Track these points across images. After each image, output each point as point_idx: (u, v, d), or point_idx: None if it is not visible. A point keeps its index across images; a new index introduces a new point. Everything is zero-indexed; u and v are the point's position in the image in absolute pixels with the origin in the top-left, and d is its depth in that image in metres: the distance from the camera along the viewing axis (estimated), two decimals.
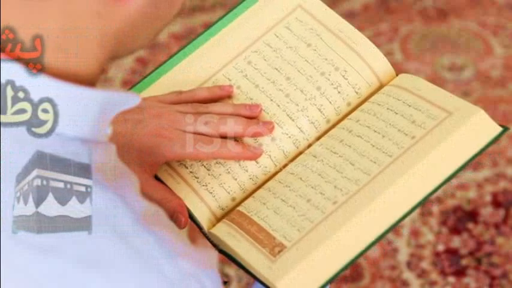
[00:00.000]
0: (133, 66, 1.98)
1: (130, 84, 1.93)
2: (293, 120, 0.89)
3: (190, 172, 0.89)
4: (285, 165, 0.89)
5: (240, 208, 0.87)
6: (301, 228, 0.81)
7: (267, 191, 0.87)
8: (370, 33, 2.01)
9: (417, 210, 1.71)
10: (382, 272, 1.64)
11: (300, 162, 0.88)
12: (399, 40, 2.01)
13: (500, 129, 0.84)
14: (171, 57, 0.96)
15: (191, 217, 0.88)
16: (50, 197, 0.63)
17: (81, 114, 0.65)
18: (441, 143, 0.82)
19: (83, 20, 0.63)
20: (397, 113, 0.86)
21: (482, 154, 0.86)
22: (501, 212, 1.71)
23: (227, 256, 0.85)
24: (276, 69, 0.92)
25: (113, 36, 0.65)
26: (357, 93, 0.90)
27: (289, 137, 0.89)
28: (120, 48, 0.67)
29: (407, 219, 1.68)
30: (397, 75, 0.92)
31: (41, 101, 0.63)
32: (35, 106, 0.63)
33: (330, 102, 0.90)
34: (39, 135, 0.63)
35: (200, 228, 0.88)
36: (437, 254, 1.66)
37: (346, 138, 0.87)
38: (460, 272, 1.63)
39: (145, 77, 0.96)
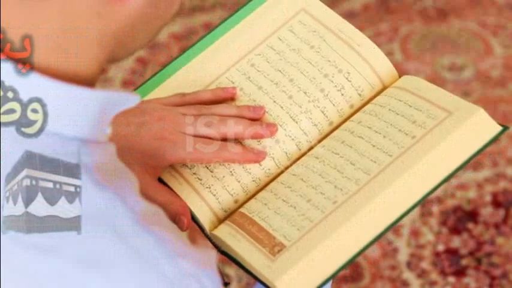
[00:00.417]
0: (133, 66, 1.98)
1: (130, 84, 1.93)
2: (296, 122, 0.89)
3: (194, 173, 0.89)
4: (286, 167, 0.89)
5: (241, 209, 0.87)
6: (301, 227, 0.81)
7: (268, 192, 0.87)
8: (370, 33, 2.01)
9: (417, 210, 1.71)
10: (382, 272, 1.64)
11: (301, 164, 0.88)
12: (399, 40, 2.01)
13: (500, 128, 0.84)
14: (173, 60, 0.96)
15: (192, 218, 0.88)
16: (39, 197, 0.63)
17: (81, 114, 0.65)
18: (441, 142, 0.82)
19: (82, 20, 0.63)
20: (397, 114, 0.86)
21: (482, 154, 0.86)
22: (501, 212, 1.71)
23: (228, 257, 0.85)
24: (279, 71, 0.92)
25: (113, 36, 0.65)
26: (360, 95, 0.90)
27: (293, 139, 0.89)
28: (120, 48, 0.67)
29: (407, 219, 1.68)
30: (398, 76, 0.92)
31: (30, 101, 0.63)
32: (24, 106, 0.63)
33: (333, 105, 0.90)
34: (29, 135, 0.63)
35: (202, 229, 0.87)
36: (437, 254, 1.66)
37: (348, 139, 0.87)
38: (460, 272, 1.63)
39: (148, 80, 0.96)
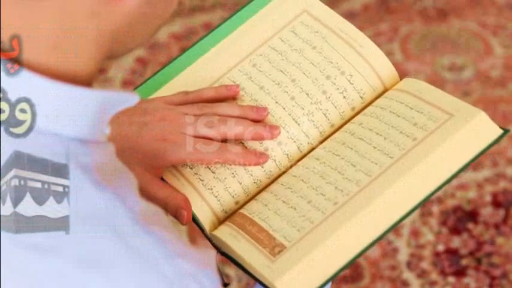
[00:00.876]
0: (133, 66, 1.98)
1: (130, 84, 1.93)
2: (298, 124, 0.89)
3: (195, 174, 0.88)
4: (287, 169, 0.89)
5: (241, 210, 0.87)
6: (301, 228, 0.81)
7: (268, 193, 0.87)
8: (370, 33, 2.01)
9: (417, 210, 1.71)
10: (382, 272, 1.64)
11: (301, 165, 0.88)
12: (399, 40, 2.01)
13: (500, 131, 0.84)
14: (173, 60, 0.96)
15: (193, 219, 0.88)
16: (28, 197, 0.63)
17: (81, 114, 0.65)
18: (442, 144, 0.82)
19: (81, 19, 0.63)
20: (398, 116, 0.86)
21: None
22: (501, 212, 1.71)
23: (228, 258, 0.85)
24: (281, 71, 0.92)
25: (111, 35, 0.65)
26: (361, 98, 0.90)
27: (294, 141, 0.89)
28: (118, 47, 0.67)
29: (407, 219, 1.68)
30: (399, 78, 0.92)
31: (18, 100, 0.63)
32: (13, 106, 0.63)
33: (335, 107, 0.90)
34: (17, 135, 0.63)
35: (202, 230, 0.87)
36: (437, 254, 1.66)
37: (348, 140, 0.87)
38: (460, 272, 1.63)
39: (147, 79, 0.96)
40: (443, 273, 1.63)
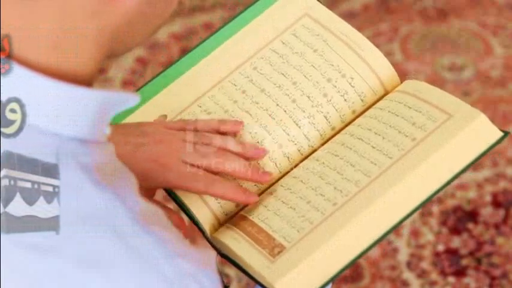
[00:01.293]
0: (133, 66, 1.98)
1: (130, 84, 1.93)
2: (299, 127, 0.89)
3: None
4: (287, 171, 0.89)
5: (242, 212, 0.87)
6: (300, 229, 0.81)
7: (268, 194, 0.87)
8: (370, 33, 2.01)
9: (416, 212, 1.71)
10: (382, 272, 1.64)
11: (301, 166, 0.88)
12: (399, 40, 2.01)
13: (500, 133, 0.84)
14: (174, 62, 0.96)
15: (193, 220, 0.88)
16: (18, 197, 0.63)
17: (81, 114, 0.65)
18: (442, 146, 0.82)
19: (81, 19, 0.63)
20: (397, 115, 0.86)
21: None
22: (501, 212, 1.71)
23: (228, 260, 0.85)
24: (282, 74, 0.92)
25: (110, 34, 0.65)
26: (362, 100, 0.90)
27: (295, 143, 0.89)
28: (118, 46, 0.67)
29: (407, 220, 1.68)
30: (399, 77, 0.92)
31: (9, 100, 0.63)
32: (3, 106, 0.63)
33: (336, 110, 0.90)
34: (7, 136, 0.63)
35: (202, 232, 0.87)
36: (437, 254, 1.66)
37: (347, 141, 0.87)
38: (460, 272, 1.63)
39: (149, 81, 0.95)
40: (443, 273, 1.63)
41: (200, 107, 0.93)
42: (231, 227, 0.85)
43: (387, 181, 0.82)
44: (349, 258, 0.80)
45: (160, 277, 0.63)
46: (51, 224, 0.63)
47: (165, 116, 0.93)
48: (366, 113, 0.89)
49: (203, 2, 2.11)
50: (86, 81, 0.66)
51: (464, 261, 1.64)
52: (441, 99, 0.86)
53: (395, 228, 0.81)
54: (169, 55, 1.97)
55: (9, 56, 0.63)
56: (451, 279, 1.62)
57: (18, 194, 0.63)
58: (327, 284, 0.79)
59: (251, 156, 0.88)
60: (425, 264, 1.64)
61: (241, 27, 0.97)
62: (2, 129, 0.63)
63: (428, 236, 1.68)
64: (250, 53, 0.95)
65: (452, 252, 1.66)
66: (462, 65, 1.96)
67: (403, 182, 0.81)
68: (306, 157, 0.89)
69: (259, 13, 0.97)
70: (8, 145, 0.63)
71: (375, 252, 1.66)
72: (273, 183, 0.88)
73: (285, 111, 0.90)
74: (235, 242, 0.83)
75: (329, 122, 0.90)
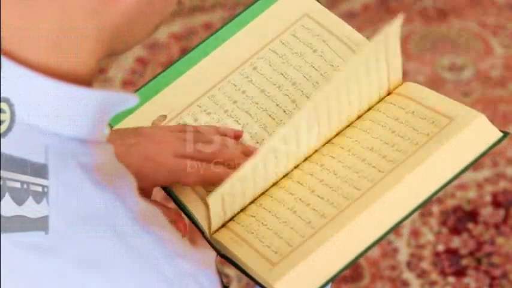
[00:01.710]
0: (133, 66, 1.97)
1: (130, 84, 1.92)
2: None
3: None
4: (287, 173, 0.89)
5: (242, 213, 0.87)
6: (303, 233, 0.81)
7: (268, 196, 0.86)
8: (370, 33, 2.01)
9: (416, 211, 1.71)
10: (382, 272, 1.64)
11: (301, 167, 0.88)
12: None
13: (500, 134, 0.84)
14: (174, 62, 0.96)
15: (193, 221, 0.87)
16: (7, 197, 0.63)
17: (81, 114, 0.65)
18: (442, 146, 0.82)
19: (81, 19, 0.63)
20: (401, 122, 0.86)
21: None
22: (501, 212, 1.71)
23: (228, 260, 0.84)
24: (282, 74, 0.92)
25: (110, 34, 0.65)
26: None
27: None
28: (118, 45, 0.67)
29: (407, 220, 1.68)
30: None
31: None
32: None
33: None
34: None
35: (202, 232, 0.87)
36: (437, 254, 1.66)
37: (347, 144, 0.87)
38: (460, 272, 1.63)
39: (148, 82, 0.95)
40: (443, 273, 1.63)
41: (200, 107, 0.93)
42: (231, 229, 0.85)
43: (387, 181, 0.82)
44: (349, 258, 0.80)
45: (160, 277, 0.63)
46: (40, 224, 0.63)
47: (165, 116, 0.93)
48: (367, 116, 0.89)
49: (203, 2, 2.11)
50: (86, 81, 0.66)
51: (464, 261, 1.64)
52: (442, 103, 0.86)
53: (396, 228, 0.81)
54: (169, 55, 1.97)
55: None
56: (451, 279, 1.62)
57: (7, 194, 0.63)
58: (327, 283, 0.79)
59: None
60: (425, 264, 1.64)
61: (241, 28, 0.97)
62: None
63: (428, 236, 1.68)
64: (249, 53, 0.95)
65: (452, 252, 1.66)
66: (462, 65, 1.96)
67: (403, 182, 0.81)
68: (307, 158, 0.89)
69: (259, 13, 0.97)
70: (16, 144, 0.63)
71: (375, 252, 1.66)
72: (274, 183, 0.88)
73: (285, 111, 0.90)
74: (236, 245, 0.83)
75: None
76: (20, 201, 0.63)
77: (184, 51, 1.95)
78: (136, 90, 0.96)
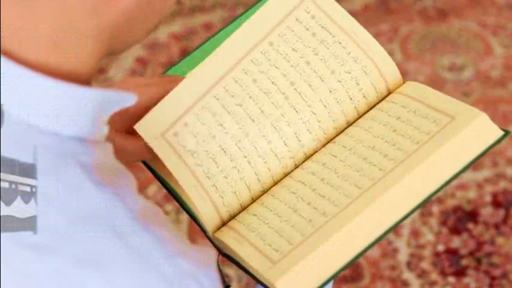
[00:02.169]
0: (133, 66, 1.98)
1: None
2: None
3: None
4: (287, 173, 0.89)
5: (243, 213, 0.87)
6: (302, 230, 0.82)
7: (269, 196, 0.87)
8: (370, 33, 2.01)
9: (417, 211, 1.71)
10: (382, 272, 1.64)
11: (302, 167, 0.88)
12: (399, 40, 2.01)
13: (501, 132, 0.84)
14: (175, 64, 0.96)
15: (195, 219, 0.88)
16: None
17: (81, 113, 0.65)
18: (443, 145, 0.82)
19: (81, 19, 0.63)
20: (403, 121, 0.86)
21: None
22: (501, 212, 1.71)
23: (229, 259, 0.85)
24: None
25: (110, 33, 0.65)
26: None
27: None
28: (117, 44, 0.67)
29: (407, 220, 1.69)
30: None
31: None
32: None
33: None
34: None
35: (204, 231, 0.87)
36: (437, 254, 1.66)
37: (347, 142, 0.87)
38: (460, 272, 1.63)
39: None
40: (443, 273, 1.63)
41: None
42: (233, 227, 0.85)
43: (388, 180, 0.82)
44: (350, 256, 0.80)
45: (160, 277, 0.63)
46: (29, 224, 0.63)
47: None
48: (368, 115, 0.89)
49: (203, 2, 2.11)
50: (85, 80, 0.66)
51: (464, 261, 1.64)
52: (443, 102, 0.86)
53: (396, 227, 0.82)
54: (169, 55, 1.98)
55: None
56: (451, 279, 1.62)
57: None
58: (328, 281, 0.79)
59: None
60: (425, 264, 1.64)
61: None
62: None
63: (428, 236, 1.68)
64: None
65: (452, 252, 1.66)
66: (462, 65, 1.96)
67: (403, 181, 0.82)
68: (309, 156, 0.89)
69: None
70: (16, 144, 0.63)
71: (375, 252, 1.66)
72: (276, 183, 0.89)
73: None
74: (238, 244, 0.83)
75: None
76: (8, 201, 0.63)
77: (184, 51, 1.95)
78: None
